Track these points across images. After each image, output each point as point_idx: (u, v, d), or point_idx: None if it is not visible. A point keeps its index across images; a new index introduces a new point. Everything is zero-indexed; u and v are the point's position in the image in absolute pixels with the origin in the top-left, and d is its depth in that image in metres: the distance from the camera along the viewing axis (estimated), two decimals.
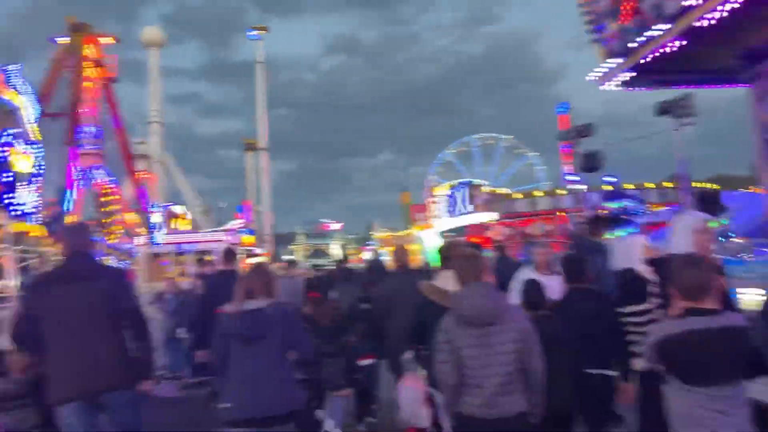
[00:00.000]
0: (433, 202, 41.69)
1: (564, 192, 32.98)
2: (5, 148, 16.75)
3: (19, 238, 14.75)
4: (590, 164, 18.08)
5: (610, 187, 28.92)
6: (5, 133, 16.87)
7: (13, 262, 11.05)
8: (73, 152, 27.98)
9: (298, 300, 6.90)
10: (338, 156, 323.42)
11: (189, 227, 42.25)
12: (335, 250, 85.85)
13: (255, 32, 60.81)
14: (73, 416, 3.72)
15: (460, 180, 40.80)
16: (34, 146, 17.94)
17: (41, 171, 18.39)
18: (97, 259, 4.33)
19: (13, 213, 16.44)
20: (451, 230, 36.83)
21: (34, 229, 18.46)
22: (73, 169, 27.78)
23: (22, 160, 17.09)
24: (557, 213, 31.58)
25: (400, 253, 6.24)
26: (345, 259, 15.51)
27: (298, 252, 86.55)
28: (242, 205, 55.51)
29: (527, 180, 55.37)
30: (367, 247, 66.63)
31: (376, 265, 11.34)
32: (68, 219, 24.47)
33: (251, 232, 46.71)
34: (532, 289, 4.26)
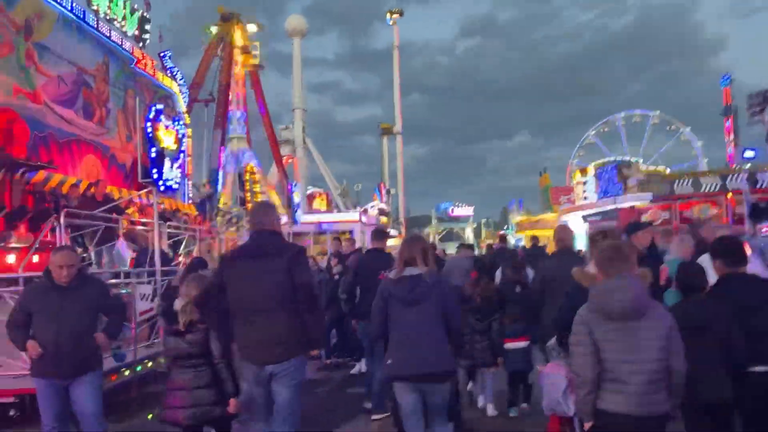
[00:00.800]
0: (579, 183, 38.89)
1: (732, 171, 28.96)
2: (155, 124, 16.92)
3: (168, 215, 15.02)
4: None
5: None
6: (154, 108, 17.03)
7: (164, 239, 11.16)
8: (223, 136, 29.18)
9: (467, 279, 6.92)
10: (472, 140, 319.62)
11: (326, 208, 43.17)
12: (469, 233, 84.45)
13: (391, 17, 60.85)
14: (250, 378, 4.11)
15: (608, 159, 37.56)
16: (177, 123, 18.05)
17: (183, 149, 18.55)
18: (281, 236, 4.44)
19: (162, 187, 16.63)
20: (597, 214, 34.07)
21: (185, 207, 19.09)
22: (222, 152, 29.00)
23: (167, 136, 17.29)
24: (727, 195, 27.77)
25: (562, 234, 5.93)
26: (504, 241, 14.32)
27: (431, 234, 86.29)
28: (378, 187, 55.91)
29: (682, 159, 50.39)
30: (503, 231, 64.56)
31: (534, 248, 11.38)
32: (219, 200, 25.50)
33: (385, 214, 46.85)
34: (690, 270, 3.89)
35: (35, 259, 7.55)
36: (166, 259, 9.41)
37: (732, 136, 42.03)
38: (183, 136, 18.44)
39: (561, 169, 54.21)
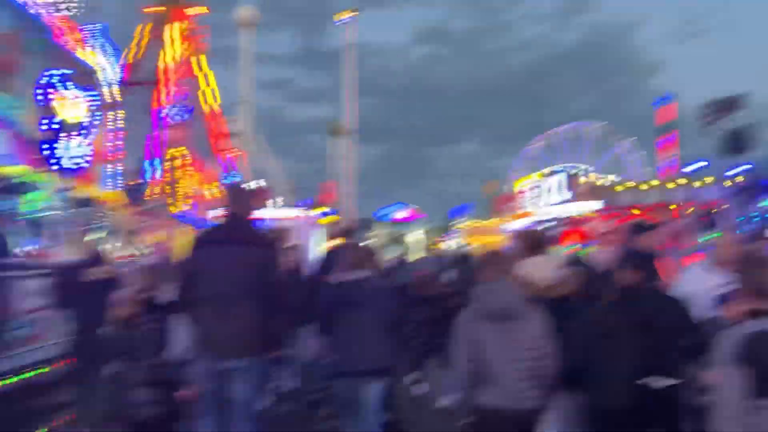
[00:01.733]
0: (525, 191, 38.65)
1: (676, 184, 29.07)
2: (49, 91, 14.16)
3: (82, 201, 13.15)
4: (735, 144, 14.71)
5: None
6: (47, 74, 14.30)
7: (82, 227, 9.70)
8: (156, 122, 27.19)
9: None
10: (424, 144, 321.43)
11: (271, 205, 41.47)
12: (413, 238, 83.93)
13: (346, 15, 59.69)
14: (202, 372, 3.85)
15: (555, 167, 37.43)
16: (88, 93, 15.31)
17: (96, 122, 15.77)
18: (255, 225, 4.17)
19: (55, 165, 14.14)
20: (545, 221, 33.74)
21: (110, 195, 17.14)
22: (154, 139, 26.98)
23: (72, 108, 14.49)
24: (670, 206, 27.84)
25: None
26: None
27: (375, 239, 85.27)
28: (325, 186, 54.38)
29: (622, 170, 51.32)
30: (447, 236, 64.34)
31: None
32: (148, 189, 23.54)
33: (333, 213, 45.54)
34: (599, 278, 3.96)
35: None
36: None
37: (672, 151, 43.27)
38: (97, 109, 15.82)
39: (507, 177, 54.56)
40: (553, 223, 31.32)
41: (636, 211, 28.45)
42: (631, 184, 32.30)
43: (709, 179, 26.15)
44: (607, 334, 3.46)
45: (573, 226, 29.91)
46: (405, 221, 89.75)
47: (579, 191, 32.37)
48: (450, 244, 51.29)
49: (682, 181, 27.31)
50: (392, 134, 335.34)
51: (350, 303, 4.05)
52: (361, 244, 4.54)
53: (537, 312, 3.31)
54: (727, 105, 14.45)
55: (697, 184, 25.89)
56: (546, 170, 38.89)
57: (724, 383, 2.48)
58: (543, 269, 3.96)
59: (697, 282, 4.09)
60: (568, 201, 32.39)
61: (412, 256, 17.30)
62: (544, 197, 34.48)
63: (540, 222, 33.80)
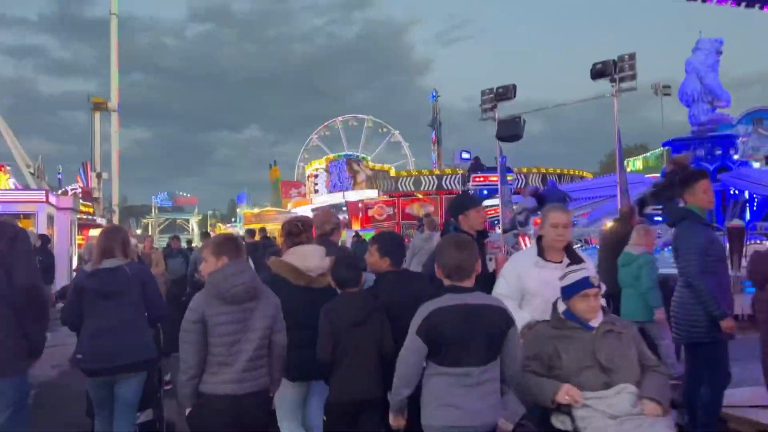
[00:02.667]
0: (310, 176, 38.12)
1: (450, 172, 30.97)
2: None
3: None
4: (509, 131, 15.52)
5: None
6: None
7: None
8: None
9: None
10: (202, 129, 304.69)
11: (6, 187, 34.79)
12: (193, 226, 79.06)
13: None
14: None
15: (339, 154, 37.55)
16: None
17: None
18: None
19: None
20: (326, 207, 33.58)
21: None
22: None
23: None
24: (442, 193, 29.51)
25: (325, 218, 5.00)
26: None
27: (151, 226, 78.62)
28: (83, 168, 47.64)
29: (395, 159, 54.17)
30: (231, 224, 61.63)
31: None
32: None
33: (90, 199, 39.91)
34: (344, 266, 3.53)
35: None
36: None
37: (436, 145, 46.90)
38: None
39: (291, 164, 54.00)
40: (343, 208, 31.37)
41: (419, 196, 29.77)
42: (412, 171, 33.68)
43: None
44: (357, 322, 3.33)
45: (356, 211, 30.21)
46: (184, 208, 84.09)
47: (359, 178, 32.80)
48: (237, 232, 49.20)
49: (456, 170, 29.06)
50: (168, 117, 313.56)
51: (103, 293, 3.78)
52: (116, 231, 4.07)
53: (270, 292, 3.24)
54: (502, 94, 15.06)
55: (464, 172, 27.72)
56: (330, 156, 38.87)
57: (406, 350, 2.80)
58: (309, 258, 3.75)
59: None
60: (349, 187, 32.62)
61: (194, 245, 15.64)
62: (329, 182, 34.29)
63: (323, 207, 33.68)
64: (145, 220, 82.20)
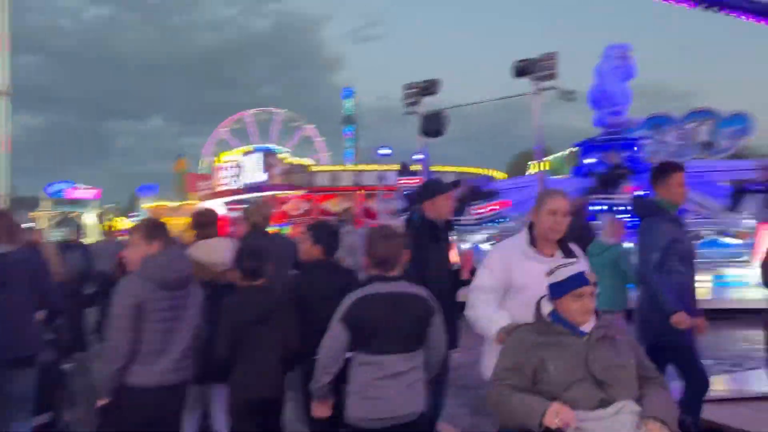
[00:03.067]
0: (220, 169, 36.55)
1: (369, 168, 30.74)
2: None
3: None
4: (432, 126, 15.50)
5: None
6: None
7: None
8: None
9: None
10: (100, 117, 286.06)
11: None
12: (90, 219, 74.19)
13: None
14: None
15: (253, 147, 36.25)
16: None
17: None
18: None
19: None
20: (239, 201, 32.35)
21: None
22: None
23: None
24: (358, 190, 29.20)
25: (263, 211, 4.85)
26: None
27: (41, 219, 72.99)
28: None
29: (309, 153, 53.34)
30: (132, 217, 58.27)
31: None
32: None
33: None
34: (250, 256, 3.44)
35: None
36: None
37: (352, 141, 46.70)
38: None
39: (198, 156, 51.72)
40: (253, 202, 30.32)
41: (333, 192, 29.28)
42: (328, 167, 33.17)
43: (395, 165, 28.30)
44: (258, 318, 3.22)
45: (272, 206, 29.28)
46: (81, 200, 78.58)
47: (275, 172, 31.92)
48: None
49: (376, 166, 28.85)
50: (62, 103, 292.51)
51: None
52: (3, 213, 3.73)
53: (197, 283, 3.18)
54: (426, 88, 15.00)
55: (384, 168, 27.66)
56: (244, 148, 37.52)
57: (329, 337, 2.76)
58: (214, 252, 3.76)
59: None
60: (265, 181, 31.62)
61: (90, 239, 14.48)
62: (242, 176, 33.11)
63: (236, 201, 32.43)
64: (34, 213, 76.28)
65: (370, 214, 25.96)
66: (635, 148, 19.23)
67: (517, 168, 43.47)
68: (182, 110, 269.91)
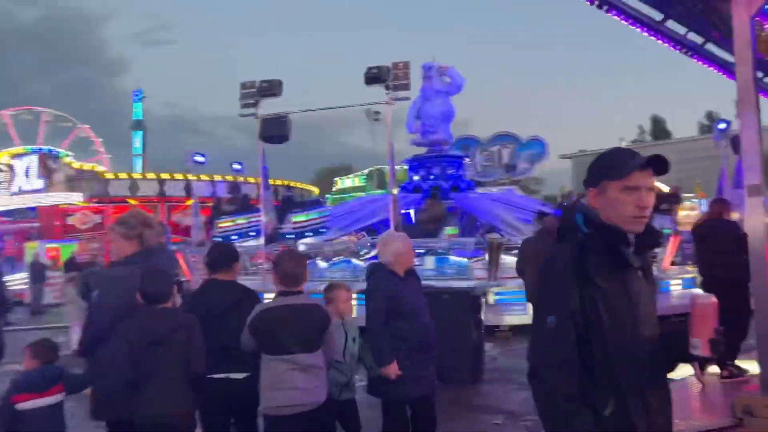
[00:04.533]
0: None
1: (170, 177, 27.62)
2: None
3: None
4: (274, 132, 14.15)
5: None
6: None
7: None
8: None
9: None
10: None
11: None
12: None
13: None
14: None
15: (27, 148, 30.23)
16: None
17: None
18: None
19: None
20: (9, 212, 26.76)
21: None
22: None
23: None
24: (164, 201, 25.99)
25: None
26: None
27: None
28: None
29: (87, 156, 47.00)
30: None
31: None
32: None
33: None
34: (153, 281, 3.33)
35: None
36: None
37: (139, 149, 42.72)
38: None
39: None
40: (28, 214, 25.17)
41: (132, 202, 25.60)
42: (129, 174, 29.17)
43: (204, 176, 25.98)
44: (156, 340, 3.15)
45: (50, 218, 24.67)
46: None
47: (56, 179, 27.11)
48: None
49: (186, 176, 25.98)
50: None
51: None
52: None
53: None
54: (267, 89, 13.58)
55: (193, 178, 25.15)
56: (13, 150, 31.17)
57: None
58: None
59: None
60: (42, 189, 26.62)
61: None
62: (16, 182, 27.50)
63: (4, 213, 26.81)
64: None
65: (177, 228, 23.26)
66: (460, 167, 19.90)
67: (321, 185, 43.49)
68: None
